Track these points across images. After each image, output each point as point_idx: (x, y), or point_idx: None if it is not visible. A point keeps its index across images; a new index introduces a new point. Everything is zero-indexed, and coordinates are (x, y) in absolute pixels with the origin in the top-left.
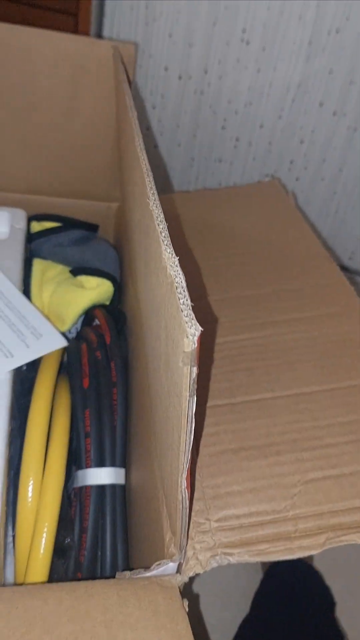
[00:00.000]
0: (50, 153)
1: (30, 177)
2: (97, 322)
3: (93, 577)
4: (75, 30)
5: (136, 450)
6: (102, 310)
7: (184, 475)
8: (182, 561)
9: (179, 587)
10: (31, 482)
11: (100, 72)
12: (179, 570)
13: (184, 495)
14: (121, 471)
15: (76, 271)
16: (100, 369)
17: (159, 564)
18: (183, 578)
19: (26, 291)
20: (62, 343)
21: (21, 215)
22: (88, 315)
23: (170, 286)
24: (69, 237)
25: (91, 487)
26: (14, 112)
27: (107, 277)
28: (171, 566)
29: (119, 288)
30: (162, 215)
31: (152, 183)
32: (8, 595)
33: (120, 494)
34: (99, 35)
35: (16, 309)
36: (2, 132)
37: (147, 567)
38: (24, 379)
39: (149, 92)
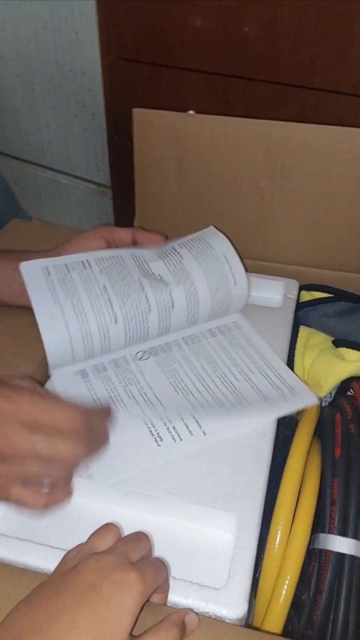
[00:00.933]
0: (329, 233)
1: (306, 251)
2: (351, 392)
3: (323, 638)
4: None
5: None
6: (359, 383)
7: None
8: None
9: None
10: (279, 533)
11: None
12: None
13: None
14: None
15: (338, 342)
16: (352, 444)
17: None
18: None
19: (291, 355)
20: (315, 401)
21: (294, 286)
22: (344, 385)
23: None
24: (334, 308)
25: (331, 552)
26: (308, 196)
27: None
28: None
29: None
30: None
31: None
32: (248, 636)
33: (359, 566)
34: None
35: (275, 370)
36: (293, 213)
37: None
38: (279, 435)
39: None
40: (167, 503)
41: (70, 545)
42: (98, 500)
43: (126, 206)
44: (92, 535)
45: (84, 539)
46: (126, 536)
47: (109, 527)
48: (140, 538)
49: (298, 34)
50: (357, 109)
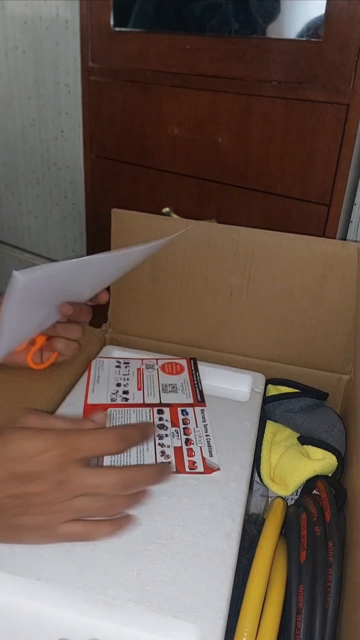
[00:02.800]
0: (294, 330)
1: (272, 346)
2: (316, 491)
3: None
4: (325, 219)
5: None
6: (324, 483)
7: None
8: None
9: None
10: (245, 637)
11: (347, 268)
12: None
13: None
14: None
15: (303, 440)
16: (318, 547)
17: None
18: None
19: (257, 450)
20: None
21: (261, 380)
22: (309, 483)
23: None
24: (299, 403)
25: None
26: (274, 295)
27: (332, 450)
28: None
29: (343, 462)
30: None
31: None
32: None
33: None
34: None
35: None
36: (259, 310)
37: None
38: (244, 535)
39: None
40: (127, 611)
41: None
42: (55, 606)
43: None
44: None
45: None
46: None
47: None
48: None
49: (266, 147)
50: (319, 215)
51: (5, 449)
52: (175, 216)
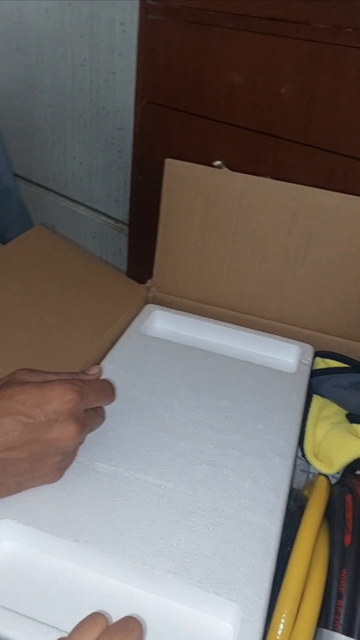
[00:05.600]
0: (351, 301)
1: (324, 317)
2: None
3: None
4: None
5: None
6: None
7: None
8: None
9: None
10: (283, 620)
11: None
12: None
13: None
14: None
15: (352, 418)
16: None
17: None
18: None
19: (303, 424)
20: None
21: (309, 351)
22: (354, 464)
23: None
24: (349, 379)
25: None
26: (333, 262)
27: None
28: None
29: None
30: None
31: None
32: None
33: None
34: None
35: None
36: (316, 277)
37: None
38: (286, 512)
39: None
40: (166, 583)
41: (57, 620)
42: (92, 570)
43: (141, 244)
44: (75, 628)
45: (71, 612)
46: (114, 625)
47: (94, 619)
48: (131, 628)
49: (333, 101)
50: None
51: (12, 401)
52: (226, 169)
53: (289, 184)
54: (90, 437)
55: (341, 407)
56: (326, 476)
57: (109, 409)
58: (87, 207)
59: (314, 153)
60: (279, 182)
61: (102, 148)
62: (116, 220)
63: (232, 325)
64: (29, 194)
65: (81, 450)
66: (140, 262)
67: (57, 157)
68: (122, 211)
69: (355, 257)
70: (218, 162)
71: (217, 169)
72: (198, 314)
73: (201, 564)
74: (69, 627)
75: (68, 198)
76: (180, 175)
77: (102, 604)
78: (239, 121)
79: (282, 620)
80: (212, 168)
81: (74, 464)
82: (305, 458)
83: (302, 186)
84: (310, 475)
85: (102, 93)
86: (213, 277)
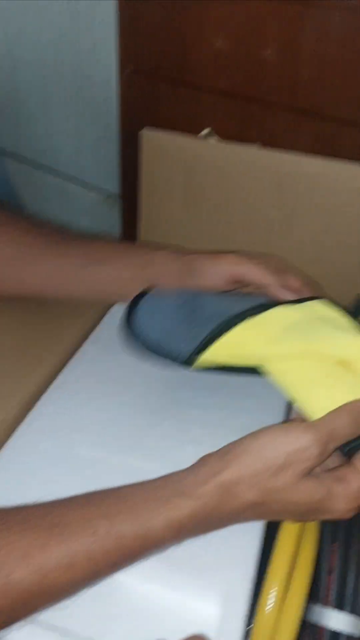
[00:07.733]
0: (336, 270)
1: None
2: None
3: None
4: None
5: None
6: None
7: None
8: None
9: None
10: (272, 597)
11: None
12: None
13: None
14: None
15: None
16: None
17: None
18: None
19: None
20: None
21: None
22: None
23: None
24: None
25: (325, 629)
26: (317, 231)
27: None
28: None
29: None
30: None
31: None
32: None
33: None
34: None
35: None
36: (300, 247)
37: None
38: None
39: None
40: (147, 566)
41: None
42: None
43: (134, 218)
44: None
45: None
46: None
47: None
48: None
49: (320, 62)
50: None
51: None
52: (216, 138)
53: (272, 152)
54: (72, 421)
55: None
56: None
57: (92, 390)
58: (78, 182)
59: (300, 119)
60: (262, 151)
61: (89, 121)
62: (108, 195)
63: None
64: (18, 172)
65: (63, 436)
66: (134, 238)
67: (44, 133)
68: (113, 185)
69: (341, 225)
70: (206, 130)
71: (202, 139)
72: None
73: (184, 547)
74: (59, 620)
75: (57, 174)
76: (158, 147)
77: (86, 593)
78: (224, 87)
79: (271, 597)
80: (193, 138)
81: (56, 449)
82: None
83: (286, 155)
84: None
85: (85, 64)
86: (196, 247)
